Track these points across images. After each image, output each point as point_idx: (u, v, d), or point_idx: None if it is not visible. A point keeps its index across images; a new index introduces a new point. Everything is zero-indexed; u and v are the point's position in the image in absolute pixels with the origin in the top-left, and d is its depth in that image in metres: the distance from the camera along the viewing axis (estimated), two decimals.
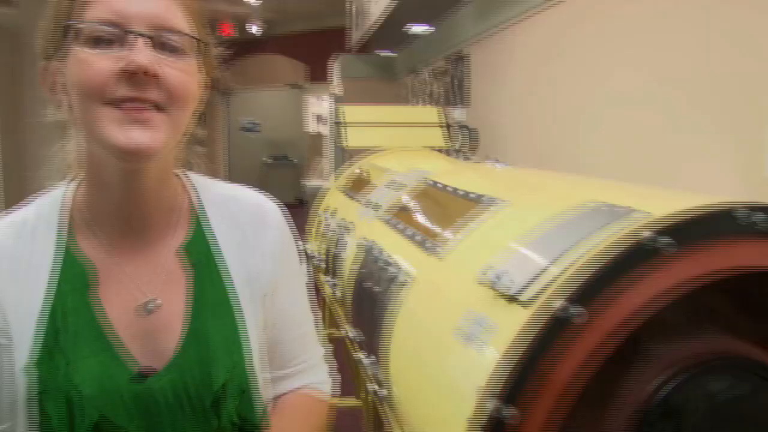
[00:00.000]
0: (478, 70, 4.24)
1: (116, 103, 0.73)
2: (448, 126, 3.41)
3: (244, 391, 0.84)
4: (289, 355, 0.96)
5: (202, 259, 0.86)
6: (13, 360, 0.78)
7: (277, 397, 0.95)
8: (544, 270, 0.95)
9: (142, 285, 0.83)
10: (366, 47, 6.50)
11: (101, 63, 0.73)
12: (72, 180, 0.87)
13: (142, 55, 0.72)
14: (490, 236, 1.33)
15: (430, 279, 1.41)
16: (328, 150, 6.21)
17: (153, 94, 0.74)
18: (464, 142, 3.78)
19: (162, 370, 0.81)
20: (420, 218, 1.86)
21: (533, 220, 1.17)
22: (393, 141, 3.21)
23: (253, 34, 8.97)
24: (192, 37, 0.79)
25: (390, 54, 6.80)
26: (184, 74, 0.77)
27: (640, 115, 2.41)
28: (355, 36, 6.31)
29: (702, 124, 2.02)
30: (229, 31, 9.24)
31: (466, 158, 3.53)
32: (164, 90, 0.75)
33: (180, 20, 0.78)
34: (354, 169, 3.01)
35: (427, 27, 5.31)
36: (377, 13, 4.94)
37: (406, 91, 6.25)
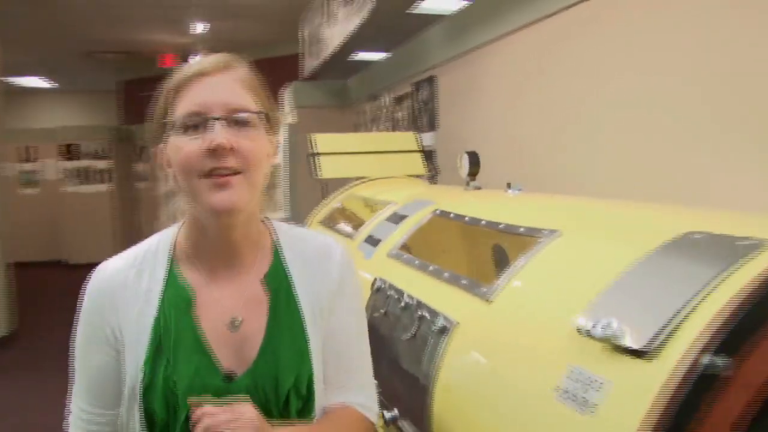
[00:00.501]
0: (447, 93, 4.14)
1: (206, 174, 0.93)
2: (423, 152, 3.28)
3: (305, 398, 1.01)
4: (340, 372, 1.07)
5: (279, 287, 1.04)
6: (125, 364, 0.98)
7: (326, 407, 1.06)
8: (674, 316, 0.80)
9: (231, 306, 1.01)
10: (317, 75, 6.34)
11: (191, 146, 0.93)
12: (180, 224, 1.07)
13: (220, 135, 0.93)
14: (552, 274, 1.18)
15: (482, 325, 1.23)
16: (283, 181, 5.98)
17: (231, 162, 0.93)
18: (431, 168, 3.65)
19: (241, 376, 0.98)
20: (446, 254, 1.67)
21: (616, 254, 1.02)
22: (370, 170, 3.04)
23: None
24: (256, 112, 0.98)
25: (341, 81, 6.66)
26: (254, 142, 0.96)
27: (638, 128, 2.34)
28: (309, 64, 6.15)
29: (723, 134, 1.93)
30: (171, 62, 8.94)
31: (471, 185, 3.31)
32: (240, 158, 0.94)
33: (246, 100, 0.98)
34: (333, 203, 2.83)
35: (384, 54, 5.21)
36: (335, 43, 4.79)
37: (364, 118, 6.12)
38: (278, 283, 1.05)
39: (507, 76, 3.34)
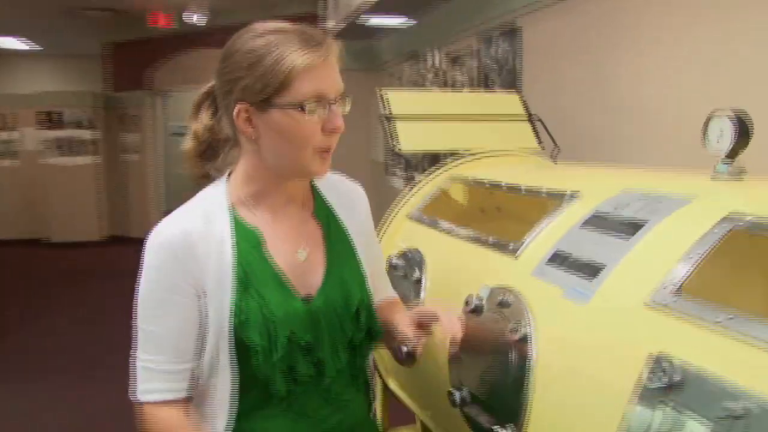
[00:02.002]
0: (533, 48, 3.29)
1: (318, 150, 1.09)
2: (531, 119, 2.44)
3: (369, 308, 1.21)
4: (381, 282, 1.35)
5: (328, 221, 1.23)
6: (207, 311, 1.10)
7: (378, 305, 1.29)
8: None
9: (294, 241, 1.18)
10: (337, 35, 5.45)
11: (311, 124, 1.06)
12: (225, 177, 1.19)
13: (339, 119, 1.09)
14: None
15: None
16: None
17: (335, 140, 1.12)
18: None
19: (315, 297, 1.15)
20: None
21: None
22: (466, 141, 2.22)
23: (194, 24, 7.76)
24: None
25: (365, 41, 5.78)
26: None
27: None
28: (331, 24, 5.25)
29: None
30: (165, 21, 8.00)
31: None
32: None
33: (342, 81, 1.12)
34: (428, 188, 2.00)
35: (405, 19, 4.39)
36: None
37: (399, 83, 5.26)
38: (326, 218, 1.24)
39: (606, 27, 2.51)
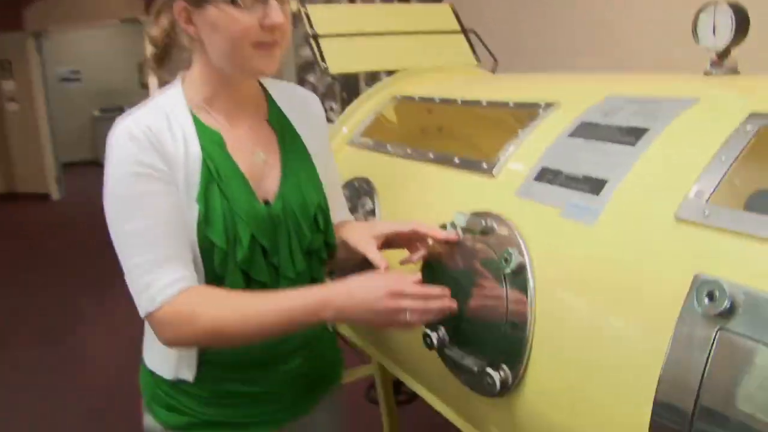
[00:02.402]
0: None
1: (257, 45, 1.05)
2: (465, 32, 2.25)
3: (326, 213, 1.21)
4: (335, 198, 1.31)
5: (282, 127, 1.22)
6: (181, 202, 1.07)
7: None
8: None
9: (251, 145, 1.16)
10: None
11: (248, 19, 1.03)
12: (180, 81, 1.16)
13: (276, 13, 1.04)
14: None
15: None
16: None
17: (278, 36, 1.07)
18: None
19: (274, 202, 1.15)
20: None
21: None
22: (398, 59, 2.01)
23: None
24: None
25: None
26: (287, 17, 1.07)
27: None
28: None
29: None
30: None
31: None
32: (282, 32, 1.07)
33: None
34: (365, 107, 1.79)
35: None
36: None
37: None
38: (280, 124, 1.22)
39: None
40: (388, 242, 1.20)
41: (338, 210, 1.32)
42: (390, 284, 1.02)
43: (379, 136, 1.65)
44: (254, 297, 1.06)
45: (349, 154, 1.71)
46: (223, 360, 1.17)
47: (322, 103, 1.34)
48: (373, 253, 1.16)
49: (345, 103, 1.79)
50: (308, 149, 1.23)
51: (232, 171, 1.11)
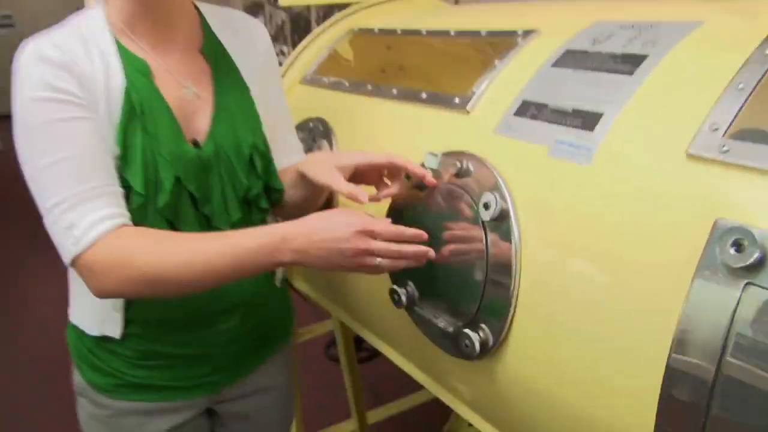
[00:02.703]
0: None
1: None
2: None
3: (265, 156, 1.08)
4: (286, 136, 1.18)
5: (217, 58, 1.06)
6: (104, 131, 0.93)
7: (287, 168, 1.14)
8: None
9: (180, 77, 1.01)
10: None
11: None
12: (102, 2, 0.99)
13: None
14: None
15: None
16: None
17: None
18: None
19: (205, 143, 1.01)
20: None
21: None
22: None
23: None
24: None
25: None
26: None
27: None
28: None
29: None
30: None
31: None
32: None
33: None
34: (318, 43, 1.63)
35: None
36: None
37: None
38: (215, 56, 1.06)
39: None
40: (356, 176, 1.02)
41: (292, 153, 1.19)
42: (358, 222, 0.88)
43: (335, 73, 1.49)
44: (199, 237, 0.93)
45: (301, 93, 1.55)
46: (151, 318, 1.04)
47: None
48: (339, 184, 0.97)
49: (296, 45, 1.64)
50: (247, 83, 1.08)
51: (157, 106, 0.96)
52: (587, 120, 0.84)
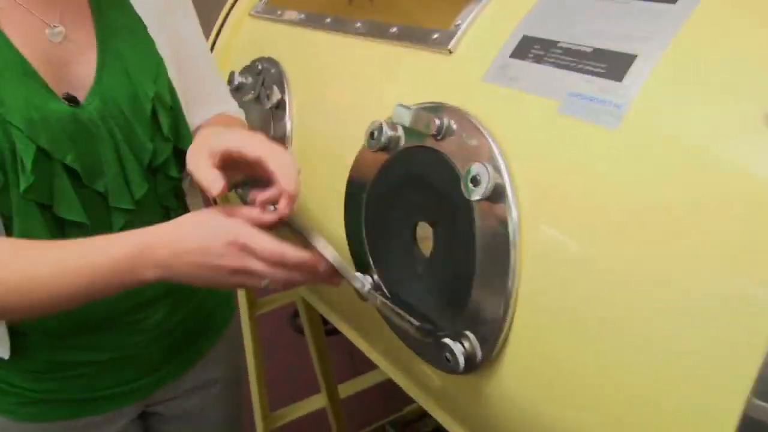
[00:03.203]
0: None
1: None
2: None
3: (173, 110, 0.83)
4: (203, 84, 0.95)
5: None
6: None
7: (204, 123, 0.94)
8: None
9: (42, 13, 0.77)
10: None
11: None
12: None
13: None
14: None
15: None
16: None
17: None
18: None
19: (87, 98, 0.78)
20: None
21: None
22: None
23: None
24: None
25: None
26: None
27: None
28: None
29: None
30: None
31: None
32: None
33: None
34: None
35: None
36: None
37: None
38: None
39: None
40: (232, 163, 0.76)
41: (216, 102, 0.98)
42: (234, 232, 0.68)
43: (291, 4, 1.23)
44: (46, 253, 0.71)
45: (251, 28, 1.29)
46: (49, 326, 0.82)
47: None
48: (199, 170, 0.73)
49: None
50: (141, 16, 0.84)
51: (6, 58, 0.73)
52: (614, 64, 0.61)
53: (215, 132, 0.80)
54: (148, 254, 0.68)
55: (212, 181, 0.71)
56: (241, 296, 1.45)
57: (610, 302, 0.57)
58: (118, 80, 0.81)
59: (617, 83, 0.60)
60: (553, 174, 0.63)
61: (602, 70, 0.62)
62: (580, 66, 0.64)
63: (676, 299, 0.51)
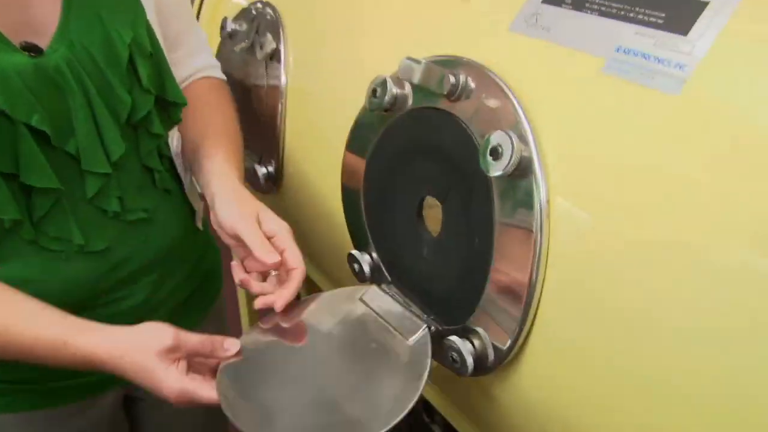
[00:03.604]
0: None
1: None
2: None
3: (153, 58, 0.73)
4: (181, 33, 0.85)
5: None
6: None
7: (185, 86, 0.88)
8: None
9: None
10: None
11: None
12: None
13: None
14: None
15: None
16: None
17: None
18: None
19: (51, 45, 0.66)
20: None
21: None
22: None
23: None
24: None
25: None
26: None
27: None
28: None
29: None
30: None
31: None
32: None
33: None
34: None
35: None
36: None
37: None
38: None
39: None
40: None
41: (195, 53, 0.88)
42: (177, 388, 0.63)
43: None
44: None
45: None
46: None
47: None
48: (252, 237, 0.69)
49: None
50: None
51: None
52: (678, 12, 0.49)
53: (234, 191, 0.75)
54: (99, 365, 0.65)
55: (266, 252, 0.68)
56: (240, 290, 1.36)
57: (655, 297, 0.46)
58: (88, 23, 0.69)
59: (681, 37, 0.48)
60: (592, 147, 0.51)
61: (661, 20, 0.50)
62: (632, 14, 0.52)
63: (731, 298, 0.41)
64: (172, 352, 0.63)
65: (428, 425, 1.05)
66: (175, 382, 0.63)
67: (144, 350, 0.63)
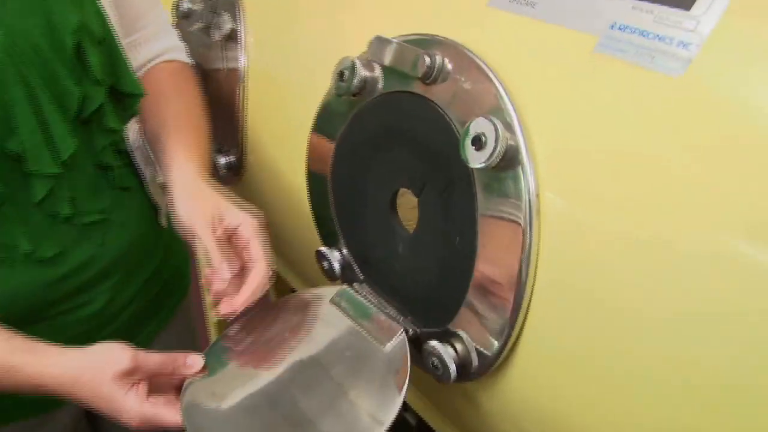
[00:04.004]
0: None
1: None
2: None
3: (105, 44, 0.66)
4: (142, 12, 0.79)
5: None
6: None
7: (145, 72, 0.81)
8: None
9: None
10: None
11: None
12: None
13: None
14: None
15: None
16: None
17: None
18: None
19: None
20: None
21: None
22: None
23: None
24: None
25: None
26: None
27: None
28: None
29: None
30: None
31: None
32: None
33: None
34: None
35: None
36: None
37: None
38: None
39: None
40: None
41: (156, 35, 0.82)
42: (138, 414, 0.58)
43: None
44: None
45: None
46: None
47: None
48: (210, 243, 0.63)
49: None
50: None
51: None
52: None
53: (201, 190, 0.68)
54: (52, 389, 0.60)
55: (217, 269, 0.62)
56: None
57: (655, 297, 0.42)
58: (28, 6, 0.62)
59: (683, 12, 0.43)
60: (584, 135, 0.47)
61: None
62: None
63: (732, 294, 0.37)
64: (131, 375, 0.58)
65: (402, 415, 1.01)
66: (135, 407, 0.57)
67: (99, 375, 0.57)
